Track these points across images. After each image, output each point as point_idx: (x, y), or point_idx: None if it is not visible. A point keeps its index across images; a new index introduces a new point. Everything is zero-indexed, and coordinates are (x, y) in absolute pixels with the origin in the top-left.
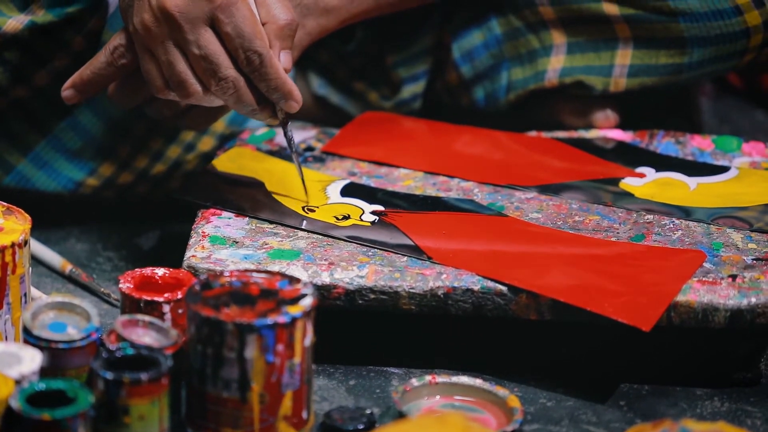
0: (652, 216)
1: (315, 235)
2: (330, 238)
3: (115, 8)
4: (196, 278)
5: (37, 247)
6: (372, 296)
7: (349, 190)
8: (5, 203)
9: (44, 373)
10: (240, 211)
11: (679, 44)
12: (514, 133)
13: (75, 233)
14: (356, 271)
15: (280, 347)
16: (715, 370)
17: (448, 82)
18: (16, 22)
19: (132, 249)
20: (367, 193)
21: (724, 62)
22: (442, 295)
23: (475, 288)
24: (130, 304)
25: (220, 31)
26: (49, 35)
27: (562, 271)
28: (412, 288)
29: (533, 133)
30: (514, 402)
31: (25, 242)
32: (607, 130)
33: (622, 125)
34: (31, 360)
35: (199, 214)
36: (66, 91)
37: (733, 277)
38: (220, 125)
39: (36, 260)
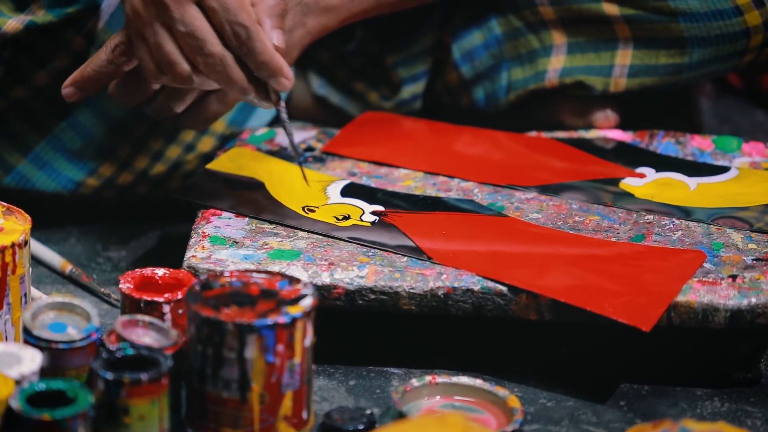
0: (652, 216)
1: (315, 236)
2: (330, 239)
3: (114, 8)
4: (196, 278)
5: (37, 248)
6: (372, 296)
7: (349, 191)
8: (5, 203)
9: (44, 373)
10: (240, 212)
11: (679, 44)
12: (514, 133)
13: (75, 233)
14: (356, 272)
15: (280, 347)
16: (715, 371)
17: (448, 83)
18: (15, 22)
19: (132, 249)
20: (367, 194)
21: (724, 62)
22: (442, 296)
23: (475, 288)
24: (130, 305)
25: (206, 7)
26: (48, 35)
27: (562, 272)
28: (412, 288)
29: (533, 133)
30: (514, 402)
31: (25, 242)
32: (607, 131)
33: (622, 125)
34: (31, 360)
35: (199, 215)
36: (66, 89)
37: (733, 277)
38: (220, 125)
39: (36, 260)
